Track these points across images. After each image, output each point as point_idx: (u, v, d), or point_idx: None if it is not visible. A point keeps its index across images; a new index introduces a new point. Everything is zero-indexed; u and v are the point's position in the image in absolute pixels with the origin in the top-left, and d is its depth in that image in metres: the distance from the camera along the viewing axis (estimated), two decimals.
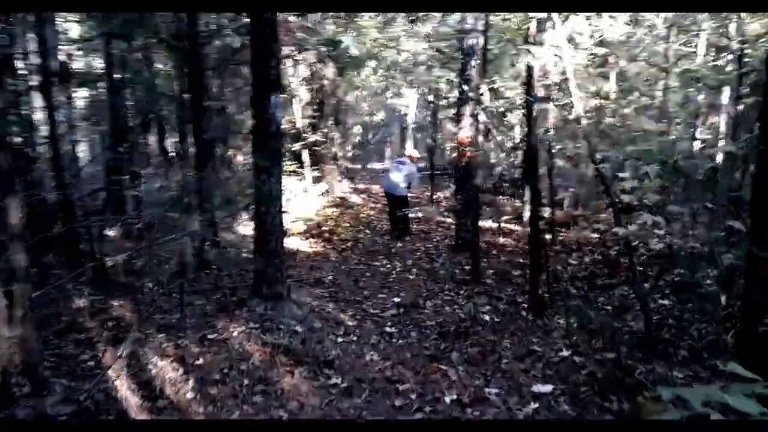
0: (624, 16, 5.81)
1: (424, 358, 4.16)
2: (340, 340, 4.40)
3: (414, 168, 9.26)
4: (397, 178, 8.87)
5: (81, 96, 10.38)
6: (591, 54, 5.48)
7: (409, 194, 9.22)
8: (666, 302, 5.15)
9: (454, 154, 9.98)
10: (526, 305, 5.73)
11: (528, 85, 4.91)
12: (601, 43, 5.84)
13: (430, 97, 14.53)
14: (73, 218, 5.47)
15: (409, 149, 9.59)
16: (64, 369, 3.61)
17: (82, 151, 10.62)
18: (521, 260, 7.61)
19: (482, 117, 6.44)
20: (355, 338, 4.44)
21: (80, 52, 9.47)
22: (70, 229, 5.22)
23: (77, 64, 11.20)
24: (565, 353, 4.36)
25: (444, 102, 13.92)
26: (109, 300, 4.54)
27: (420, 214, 12.05)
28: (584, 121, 3.94)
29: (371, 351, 4.22)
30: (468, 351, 4.26)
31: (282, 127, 8.81)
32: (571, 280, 6.83)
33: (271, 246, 4.38)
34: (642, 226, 3.14)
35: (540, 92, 5.30)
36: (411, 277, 6.33)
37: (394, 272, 6.85)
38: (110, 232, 6.64)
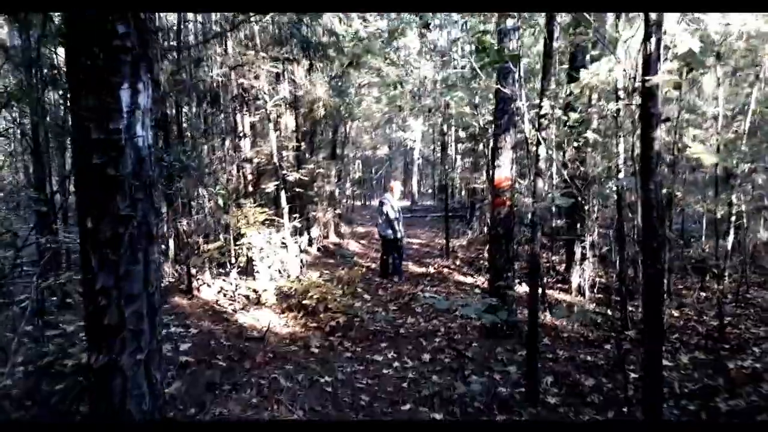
0: None
1: None
2: None
3: (393, 203, 8.54)
4: (383, 218, 8.60)
5: None
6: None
7: (398, 236, 8.58)
8: None
9: (485, 200, 7.77)
10: None
11: (643, 86, 2.67)
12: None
13: (443, 127, 12.44)
14: None
15: (393, 182, 8.86)
16: None
17: None
18: (588, 357, 5.24)
19: (542, 150, 4.17)
20: None
21: None
22: None
23: None
24: None
25: (463, 133, 11.78)
26: None
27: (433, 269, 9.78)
28: None
29: None
30: None
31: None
32: (670, 396, 4.45)
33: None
34: None
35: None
36: (437, 418, 3.90)
37: (404, 388, 4.46)
38: None
